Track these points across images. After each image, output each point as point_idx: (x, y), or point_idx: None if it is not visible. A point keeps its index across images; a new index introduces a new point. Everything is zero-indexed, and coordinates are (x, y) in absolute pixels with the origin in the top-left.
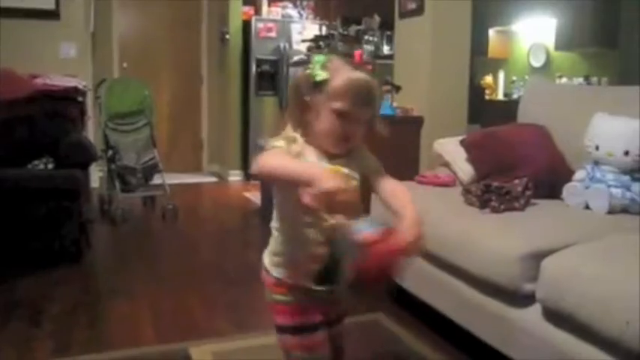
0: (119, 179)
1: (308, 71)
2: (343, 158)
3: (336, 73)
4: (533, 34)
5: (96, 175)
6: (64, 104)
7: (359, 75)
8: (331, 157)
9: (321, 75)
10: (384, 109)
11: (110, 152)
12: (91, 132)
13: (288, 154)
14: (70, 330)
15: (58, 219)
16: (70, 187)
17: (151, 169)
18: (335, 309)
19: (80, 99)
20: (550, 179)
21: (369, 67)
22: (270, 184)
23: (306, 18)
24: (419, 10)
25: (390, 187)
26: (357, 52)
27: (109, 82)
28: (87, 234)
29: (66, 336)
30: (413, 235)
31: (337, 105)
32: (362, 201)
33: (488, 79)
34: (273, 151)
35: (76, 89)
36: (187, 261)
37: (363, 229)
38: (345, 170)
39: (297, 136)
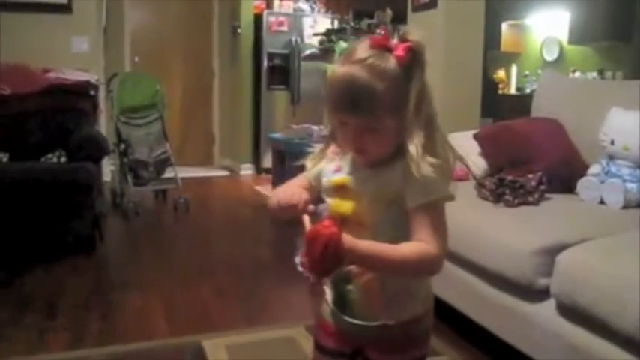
0: (131, 173)
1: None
2: (368, 170)
3: (333, 69)
4: (547, 27)
5: (108, 168)
6: (77, 98)
7: (341, 70)
8: (360, 166)
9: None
10: None
11: (122, 146)
12: (103, 126)
13: (311, 167)
14: (83, 323)
15: (71, 212)
16: (82, 181)
17: (162, 163)
18: (361, 345)
19: (92, 93)
20: (564, 174)
21: (400, 51)
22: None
23: (318, 12)
24: (432, 4)
25: (415, 233)
26: (384, 31)
27: (121, 76)
28: (99, 227)
29: (79, 328)
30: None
31: (329, 108)
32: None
33: (501, 73)
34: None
35: (88, 83)
36: (199, 254)
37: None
38: (351, 184)
39: (330, 145)
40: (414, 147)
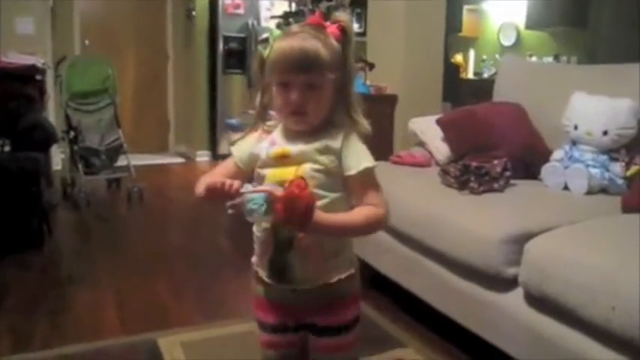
0: (82, 161)
1: (260, 49)
2: (306, 137)
3: (274, 45)
4: (504, 12)
5: (58, 157)
6: (22, 83)
7: (287, 42)
8: (295, 137)
9: (266, 51)
10: (357, 87)
11: (72, 133)
12: (52, 112)
13: (237, 152)
14: (30, 323)
15: (17, 204)
16: (29, 170)
17: (115, 151)
18: (303, 313)
19: (39, 77)
20: (528, 159)
21: (333, 27)
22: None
23: None
24: None
25: (361, 197)
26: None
27: (70, 60)
28: (48, 219)
29: (26, 329)
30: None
31: (274, 77)
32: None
33: (459, 57)
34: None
35: (34, 67)
36: (154, 246)
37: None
38: (292, 151)
39: (257, 128)
40: (351, 107)
